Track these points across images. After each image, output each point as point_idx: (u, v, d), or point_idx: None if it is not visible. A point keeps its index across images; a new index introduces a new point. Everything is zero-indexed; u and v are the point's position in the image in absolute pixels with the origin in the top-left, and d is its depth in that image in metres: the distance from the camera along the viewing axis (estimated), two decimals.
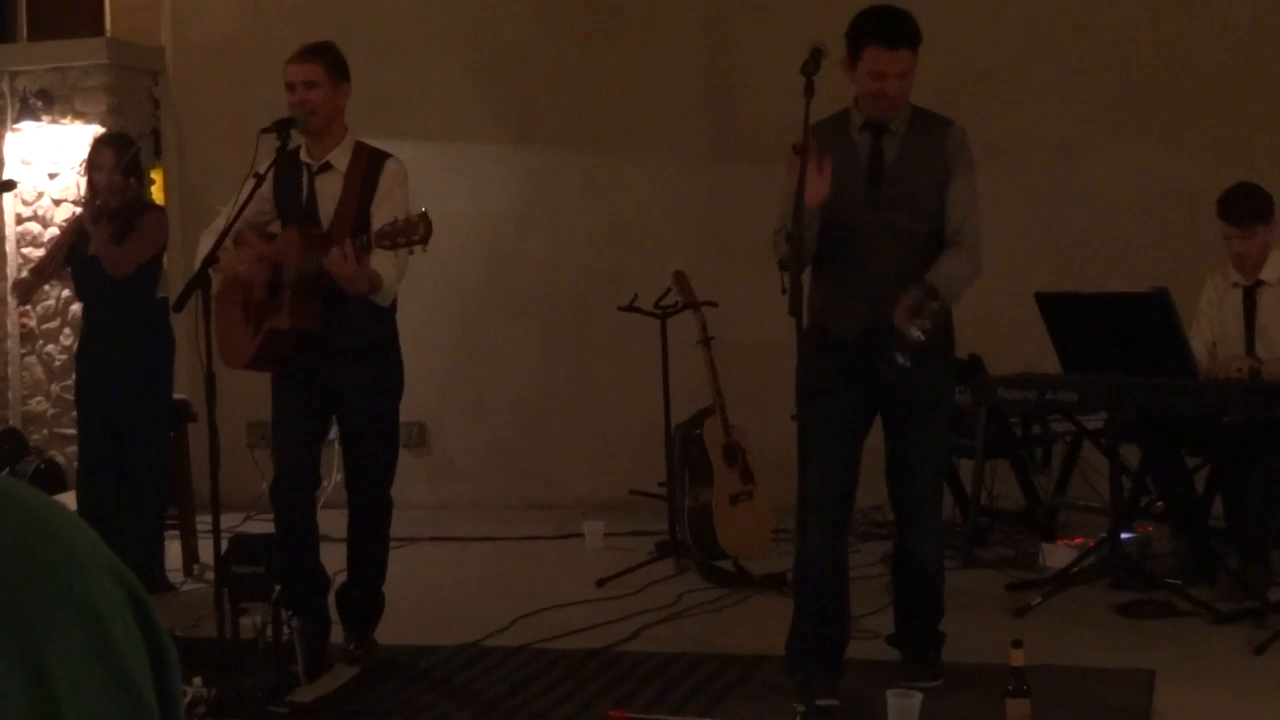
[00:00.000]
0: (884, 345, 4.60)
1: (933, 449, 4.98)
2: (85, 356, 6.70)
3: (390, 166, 5.35)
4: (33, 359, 9.03)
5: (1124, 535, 6.33)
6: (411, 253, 4.96)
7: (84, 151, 8.21)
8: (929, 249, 4.79)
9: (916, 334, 4.51)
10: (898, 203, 4.75)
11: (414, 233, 4.83)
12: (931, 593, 5.09)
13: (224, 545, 5.14)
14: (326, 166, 5.35)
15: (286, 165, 5.35)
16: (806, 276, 4.67)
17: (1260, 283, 6.27)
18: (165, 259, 6.84)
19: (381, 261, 5.08)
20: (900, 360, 4.57)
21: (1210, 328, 6.40)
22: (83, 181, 7.18)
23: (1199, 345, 6.24)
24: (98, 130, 8.78)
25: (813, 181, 4.50)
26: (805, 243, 4.49)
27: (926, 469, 4.96)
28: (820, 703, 4.64)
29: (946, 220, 4.82)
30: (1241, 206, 6.19)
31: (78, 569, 0.86)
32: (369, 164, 5.34)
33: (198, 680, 4.76)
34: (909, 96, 4.85)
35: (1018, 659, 4.33)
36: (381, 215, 5.21)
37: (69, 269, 6.79)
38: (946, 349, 4.94)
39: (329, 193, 5.32)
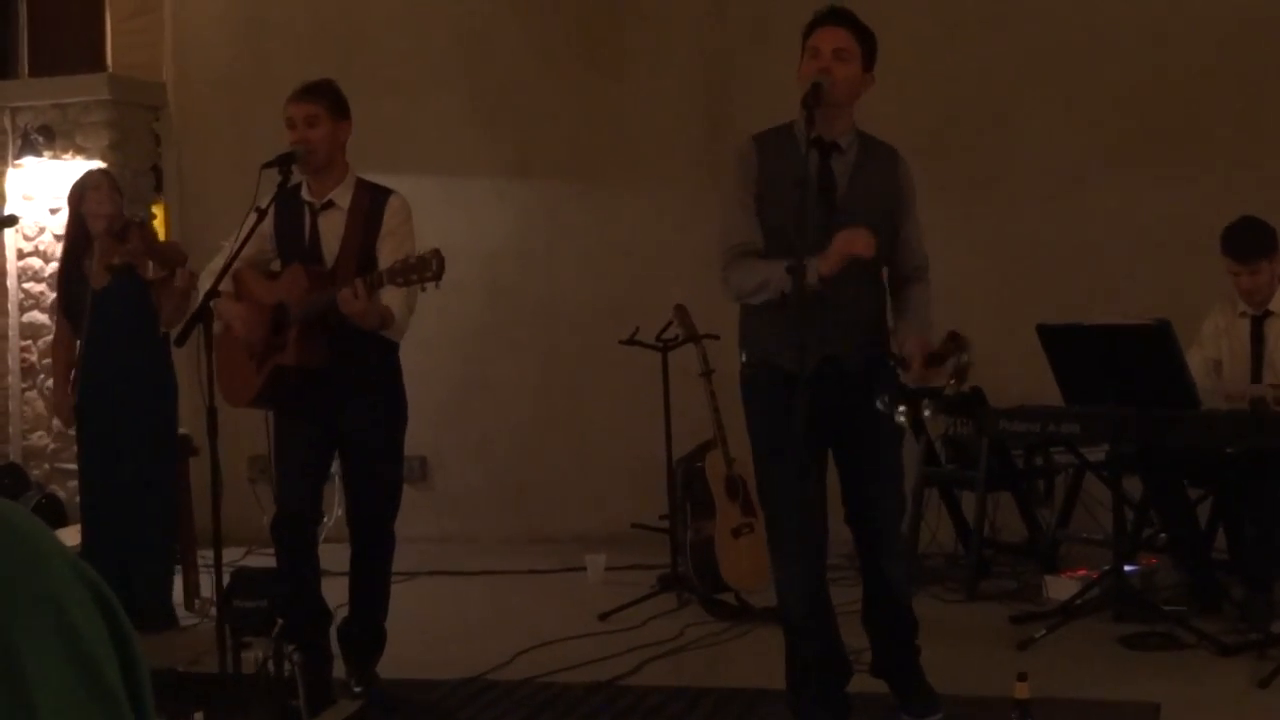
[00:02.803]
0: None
1: (888, 471, 4.88)
2: (89, 393, 6.60)
3: (393, 203, 5.36)
4: (33, 394, 9.03)
5: (1127, 567, 6.31)
6: (424, 289, 4.94)
7: None
8: (876, 276, 4.79)
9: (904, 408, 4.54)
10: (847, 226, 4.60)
11: (426, 270, 4.83)
12: (905, 614, 4.99)
13: (225, 579, 5.12)
14: (329, 205, 5.36)
15: (288, 204, 5.35)
16: (736, 308, 4.76)
17: (1268, 313, 6.27)
18: None
19: (392, 298, 5.09)
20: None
21: (1215, 349, 6.39)
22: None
23: (1200, 363, 6.23)
24: (98, 166, 8.80)
25: (845, 257, 4.48)
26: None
27: (886, 493, 4.88)
28: None
29: (904, 255, 4.79)
30: (1244, 243, 6.20)
31: (44, 567, 0.87)
32: (371, 201, 5.35)
33: (199, 715, 4.74)
34: (853, 110, 4.76)
35: (1022, 692, 4.31)
36: (387, 251, 5.23)
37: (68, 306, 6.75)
38: (888, 377, 4.83)
39: (332, 231, 5.33)
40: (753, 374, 4.74)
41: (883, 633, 5.05)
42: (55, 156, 9.00)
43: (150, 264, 6.50)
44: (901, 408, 4.58)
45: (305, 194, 5.38)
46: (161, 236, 8.54)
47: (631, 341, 7.20)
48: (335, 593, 5.58)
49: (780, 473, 4.58)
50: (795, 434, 4.43)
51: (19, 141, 9.01)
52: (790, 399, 4.43)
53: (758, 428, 4.71)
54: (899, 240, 4.77)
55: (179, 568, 7.16)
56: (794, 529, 4.61)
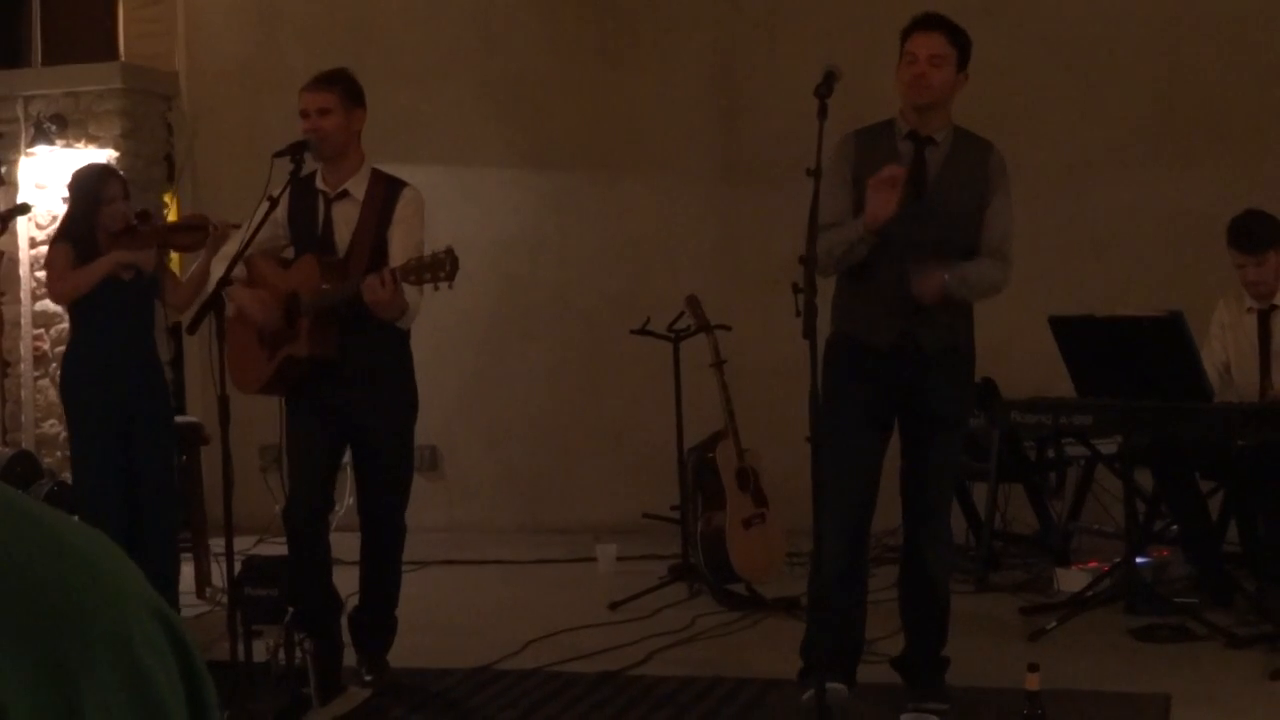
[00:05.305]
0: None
1: (949, 461, 5.03)
2: (96, 379, 6.57)
3: (407, 194, 5.36)
4: (46, 382, 9.04)
5: (1138, 560, 6.31)
6: (436, 288, 4.95)
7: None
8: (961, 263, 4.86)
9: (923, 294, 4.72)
10: (938, 217, 4.79)
11: (440, 270, 4.85)
12: (938, 607, 5.06)
13: (237, 568, 5.14)
14: (343, 194, 5.35)
15: (303, 192, 5.35)
16: (830, 285, 4.82)
17: (1275, 307, 6.26)
18: None
19: (407, 289, 5.10)
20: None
21: (1222, 349, 6.39)
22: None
23: (1210, 367, 6.22)
24: (111, 155, 8.81)
25: (886, 199, 4.58)
26: (856, 252, 4.72)
27: (942, 479, 5.02)
28: (830, 685, 4.62)
29: (983, 239, 4.88)
30: (1251, 234, 6.19)
31: (115, 603, 0.84)
32: (386, 192, 5.35)
33: None
34: (949, 108, 4.90)
35: (1033, 683, 4.31)
36: (397, 240, 5.24)
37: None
38: (965, 365, 4.97)
39: (345, 221, 5.33)
40: (835, 343, 4.90)
41: (915, 628, 5.10)
42: (68, 145, 9.00)
43: (166, 236, 6.49)
44: None
45: (320, 183, 5.38)
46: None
47: (643, 331, 7.21)
48: (346, 581, 5.59)
49: (841, 443, 4.72)
50: (862, 406, 4.81)
51: (31, 130, 9.02)
52: (866, 371, 4.81)
53: (829, 396, 4.77)
54: (981, 224, 4.88)
55: (190, 556, 7.18)
56: (843, 500, 4.70)
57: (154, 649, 0.85)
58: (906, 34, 4.87)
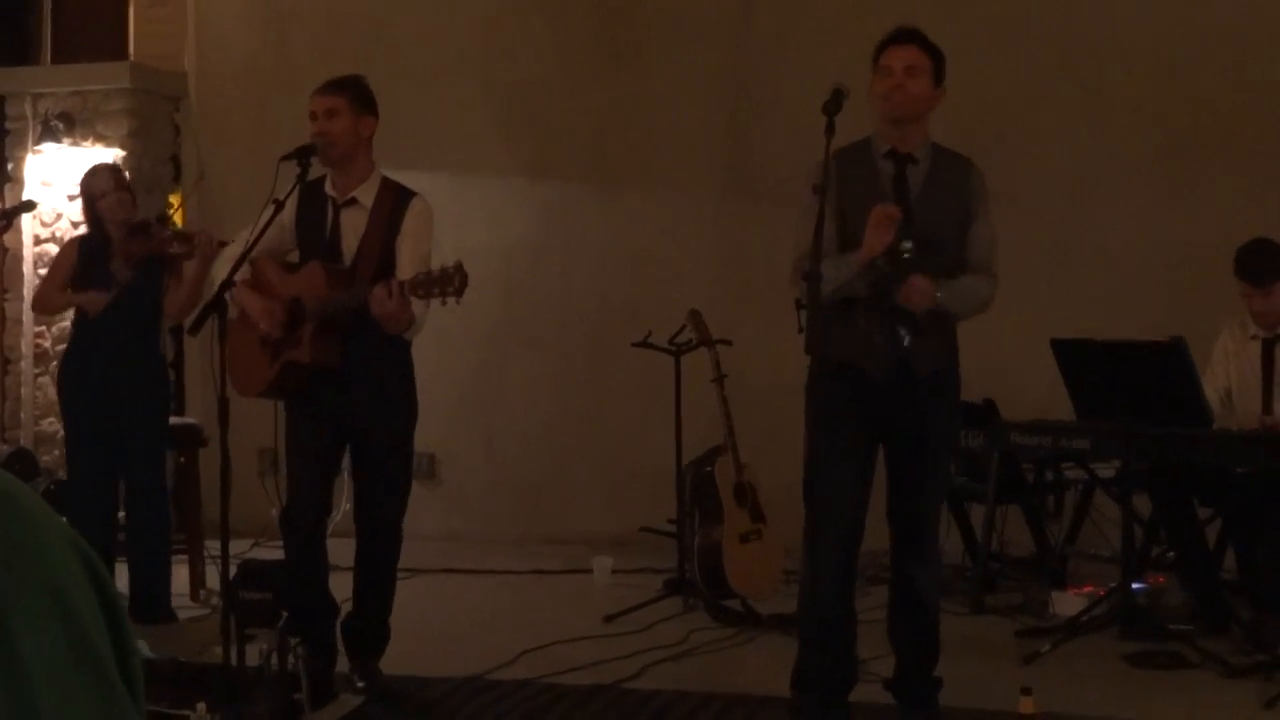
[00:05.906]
0: (892, 324, 4.66)
1: (936, 483, 4.96)
2: (90, 381, 6.54)
3: (416, 205, 5.36)
4: (46, 379, 9.03)
5: (1134, 585, 6.30)
6: (444, 303, 4.93)
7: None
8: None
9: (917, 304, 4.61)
10: (921, 235, 4.72)
11: (449, 284, 4.84)
12: (929, 630, 5.02)
13: (232, 571, 5.12)
14: (352, 202, 5.35)
15: (311, 197, 5.35)
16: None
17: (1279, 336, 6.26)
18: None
19: (415, 303, 5.09)
20: (903, 335, 4.61)
21: (1225, 375, 6.38)
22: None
23: (1212, 393, 6.22)
24: (118, 154, 8.81)
25: (884, 228, 4.53)
26: (854, 288, 4.63)
27: (931, 504, 4.95)
28: None
29: (969, 257, 4.85)
30: (1259, 265, 6.18)
31: (38, 539, 0.89)
32: (395, 201, 5.34)
33: (202, 706, 4.73)
34: (927, 124, 4.86)
35: (1027, 707, 4.30)
36: (404, 251, 5.23)
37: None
38: (953, 386, 4.93)
39: (353, 228, 5.32)
40: (821, 371, 4.80)
41: (906, 652, 5.06)
42: (75, 144, 9.01)
43: (174, 243, 6.52)
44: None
45: (329, 188, 5.38)
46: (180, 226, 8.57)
47: (644, 344, 7.20)
48: (342, 587, 5.58)
49: (831, 473, 4.68)
50: (847, 435, 4.71)
51: (39, 128, 9.03)
52: (854, 399, 4.71)
53: (816, 425, 4.74)
54: (965, 242, 4.86)
55: (185, 558, 7.18)
56: (834, 530, 4.68)
57: (75, 580, 0.91)
58: (880, 50, 4.83)
